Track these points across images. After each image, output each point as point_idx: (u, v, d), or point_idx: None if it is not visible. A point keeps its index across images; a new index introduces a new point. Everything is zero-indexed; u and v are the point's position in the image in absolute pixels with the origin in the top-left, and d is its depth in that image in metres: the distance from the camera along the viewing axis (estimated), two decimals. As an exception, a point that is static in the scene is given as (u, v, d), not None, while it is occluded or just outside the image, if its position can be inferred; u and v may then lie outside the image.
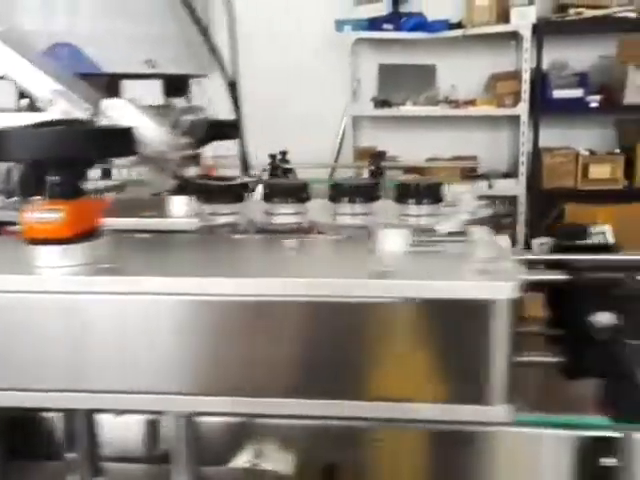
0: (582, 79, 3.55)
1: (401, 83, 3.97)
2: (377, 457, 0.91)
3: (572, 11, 3.47)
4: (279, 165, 2.52)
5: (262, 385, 0.59)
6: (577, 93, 3.49)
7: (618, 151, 3.60)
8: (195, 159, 0.83)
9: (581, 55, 3.68)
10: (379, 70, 4.06)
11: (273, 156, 2.59)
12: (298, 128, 3.89)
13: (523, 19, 3.50)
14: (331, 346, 0.58)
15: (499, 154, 3.93)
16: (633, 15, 3.46)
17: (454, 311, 0.55)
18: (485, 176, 3.74)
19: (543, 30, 3.51)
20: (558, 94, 3.52)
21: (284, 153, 2.89)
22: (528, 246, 0.94)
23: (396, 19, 3.63)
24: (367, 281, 0.57)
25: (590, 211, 3.44)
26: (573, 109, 3.52)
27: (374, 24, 3.61)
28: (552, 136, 3.69)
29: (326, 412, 0.60)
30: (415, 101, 3.76)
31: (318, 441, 0.92)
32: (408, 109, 3.74)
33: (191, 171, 0.80)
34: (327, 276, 0.60)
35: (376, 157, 2.42)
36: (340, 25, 3.66)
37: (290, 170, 2.82)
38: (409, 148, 3.85)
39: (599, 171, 3.55)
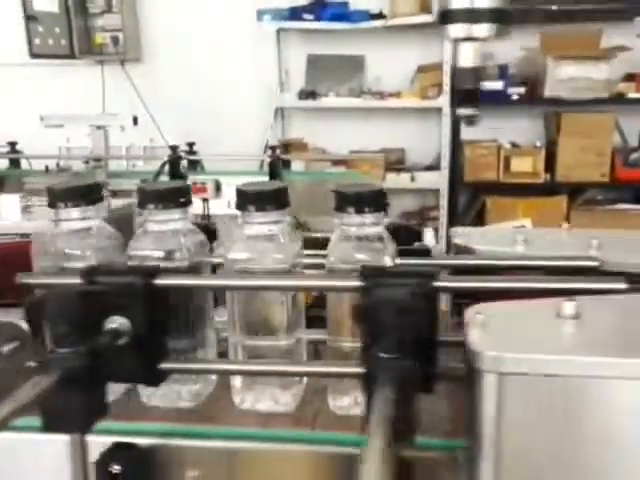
0: (503, 71, 3.54)
1: (330, 74, 3.92)
2: None
3: (495, 3, 3.45)
4: (180, 157, 2.42)
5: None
6: (498, 85, 3.48)
7: (539, 145, 3.61)
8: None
9: (506, 47, 3.67)
10: (307, 61, 4.01)
11: (174, 147, 2.48)
12: (228, 121, 3.84)
13: (445, 10, 3.46)
14: None
15: (426, 147, 3.92)
16: (555, 7, 3.47)
17: None
18: (409, 169, 3.73)
19: (466, 22, 3.48)
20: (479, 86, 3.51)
21: (191, 144, 2.81)
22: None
23: (317, 9, 3.56)
24: None
25: (511, 204, 3.46)
26: (495, 101, 3.51)
27: (295, 13, 3.54)
28: (478, 129, 3.69)
29: None
30: (338, 92, 3.71)
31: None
32: (330, 100, 3.69)
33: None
34: None
35: (274, 149, 2.35)
36: (260, 15, 3.58)
37: (197, 162, 2.73)
38: (336, 140, 3.83)
39: (520, 164, 3.55)
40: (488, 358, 0.48)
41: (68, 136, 3.16)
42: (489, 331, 0.51)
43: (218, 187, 2.37)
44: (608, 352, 0.48)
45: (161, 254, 0.70)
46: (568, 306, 0.52)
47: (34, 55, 3.96)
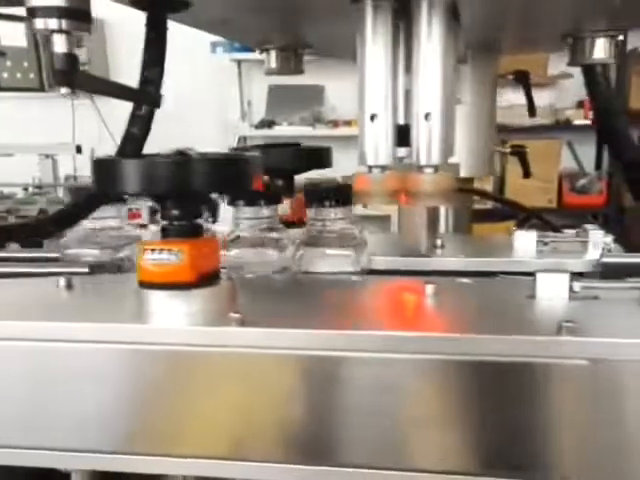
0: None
1: (290, 104, 4.02)
2: None
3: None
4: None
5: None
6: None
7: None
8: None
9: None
10: (269, 91, 4.11)
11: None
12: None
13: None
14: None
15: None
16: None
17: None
18: (362, 196, 3.78)
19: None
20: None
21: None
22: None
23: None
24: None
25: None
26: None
27: (244, 45, 3.65)
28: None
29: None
30: (292, 122, 3.80)
31: None
32: (284, 129, 3.77)
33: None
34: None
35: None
36: (213, 47, 3.70)
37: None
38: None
39: (470, 190, 3.60)
40: None
41: (21, 165, 3.26)
42: None
43: (154, 212, 2.44)
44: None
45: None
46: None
47: (1, 89, 4.10)
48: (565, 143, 3.81)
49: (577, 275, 0.68)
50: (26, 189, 2.89)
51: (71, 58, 0.62)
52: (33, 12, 0.59)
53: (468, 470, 0.51)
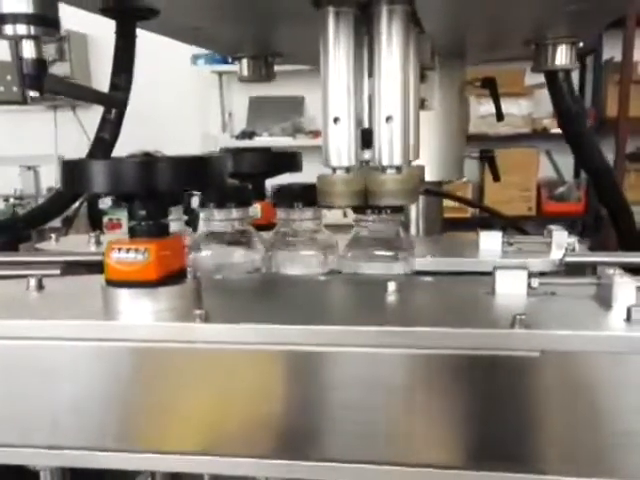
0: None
1: (271, 115, 4.05)
2: None
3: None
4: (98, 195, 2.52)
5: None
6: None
7: (465, 180, 3.71)
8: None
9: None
10: (249, 103, 4.15)
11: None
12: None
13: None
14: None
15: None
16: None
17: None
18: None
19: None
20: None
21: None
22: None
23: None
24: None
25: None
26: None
27: (225, 57, 3.67)
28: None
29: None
30: (272, 132, 3.83)
31: None
32: (265, 140, 3.80)
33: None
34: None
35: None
36: (194, 59, 3.72)
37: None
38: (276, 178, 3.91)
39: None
40: None
41: (2, 176, 3.24)
42: None
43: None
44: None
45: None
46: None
47: (-13, 102, 4.08)
48: (543, 152, 3.88)
49: (539, 274, 0.71)
50: (7, 200, 2.88)
51: (39, 63, 0.63)
52: (2, 19, 0.61)
53: (427, 461, 0.53)
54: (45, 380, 0.56)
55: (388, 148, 0.69)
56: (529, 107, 3.76)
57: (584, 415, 0.51)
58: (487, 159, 1.18)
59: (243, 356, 0.54)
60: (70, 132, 4.14)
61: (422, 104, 0.99)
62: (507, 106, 3.57)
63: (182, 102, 4.04)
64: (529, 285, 0.60)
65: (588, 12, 0.77)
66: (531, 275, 0.61)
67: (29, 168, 3.06)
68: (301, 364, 0.53)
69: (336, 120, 0.70)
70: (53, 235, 0.92)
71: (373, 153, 0.70)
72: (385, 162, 0.69)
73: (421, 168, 0.83)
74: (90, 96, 0.72)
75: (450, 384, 0.52)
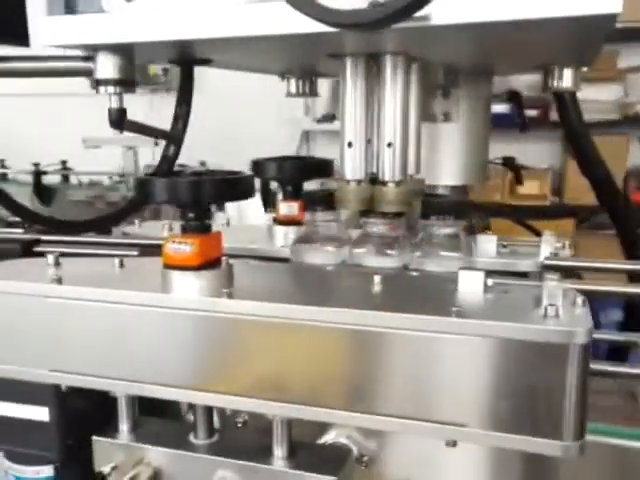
0: (513, 94, 3.65)
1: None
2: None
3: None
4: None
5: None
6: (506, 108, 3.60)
7: (546, 167, 3.71)
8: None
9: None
10: (332, 86, 4.29)
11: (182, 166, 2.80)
12: (258, 148, 4.14)
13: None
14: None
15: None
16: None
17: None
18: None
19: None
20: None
21: (203, 163, 3.16)
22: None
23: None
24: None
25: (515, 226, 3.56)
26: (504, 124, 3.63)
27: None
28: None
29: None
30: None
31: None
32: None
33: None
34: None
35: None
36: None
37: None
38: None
39: (526, 186, 3.65)
40: None
41: (106, 156, 3.61)
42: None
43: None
44: None
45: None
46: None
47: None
48: (636, 138, 3.73)
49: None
50: (111, 177, 3.24)
51: (121, 112, 0.87)
52: (98, 82, 0.84)
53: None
54: (124, 332, 0.77)
55: (389, 167, 0.87)
56: (620, 91, 3.65)
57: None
58: (509, 165, 1.29)
59: (259, 326, 0.73)
60: (166, 114, 4.45)
61: (446, 117, 1.13)
62: (596, 91, 3.49)
63: (265, 87, 4.22)
64: (485, 284, 0.76)
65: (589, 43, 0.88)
66: (488, 276, 0.76)
67: (130, 148, 3.41)
68: (302, 334, 0.72)
69: (350, 144, 0.88)
70: (137, 221, 1.16)
71: (378, 170, 0.88)
72: (387, 178, 0.87)
73: (420, 181, 0.99)
74: (155, 133, 0.96)
75: (402, 357, 0.69)
